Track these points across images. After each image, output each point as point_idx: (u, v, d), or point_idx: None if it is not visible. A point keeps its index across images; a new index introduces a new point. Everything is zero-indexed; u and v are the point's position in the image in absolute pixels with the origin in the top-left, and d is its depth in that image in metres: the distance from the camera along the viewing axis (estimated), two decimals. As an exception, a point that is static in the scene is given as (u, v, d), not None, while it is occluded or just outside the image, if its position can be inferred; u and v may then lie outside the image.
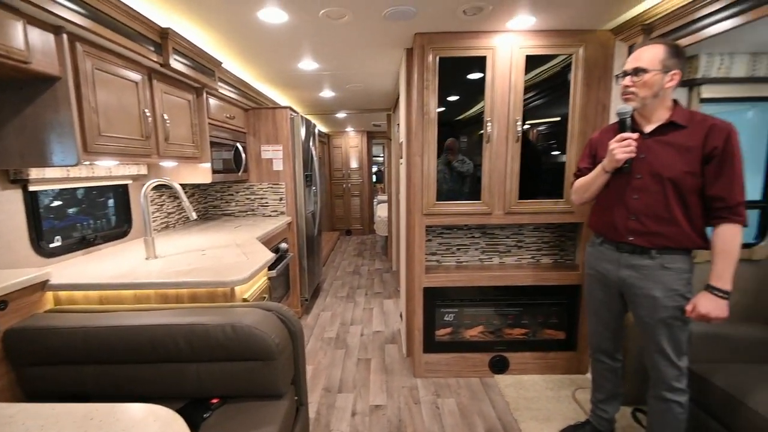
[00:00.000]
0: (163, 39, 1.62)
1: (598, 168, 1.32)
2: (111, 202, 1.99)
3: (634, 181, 1.25)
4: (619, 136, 1.23)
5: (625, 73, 1.23)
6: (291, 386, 1.31)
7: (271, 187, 2.95)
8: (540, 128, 2.07)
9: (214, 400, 1.19)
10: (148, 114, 1.61)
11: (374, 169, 7.40)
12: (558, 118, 1.96)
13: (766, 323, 1.79)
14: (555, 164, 2.01)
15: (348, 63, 2.44)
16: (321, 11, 1.60)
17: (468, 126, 2.01)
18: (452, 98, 1.97)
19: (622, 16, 1.68)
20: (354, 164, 6.46)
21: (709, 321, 1.17)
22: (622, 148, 1.21)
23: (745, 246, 1.74)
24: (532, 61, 1.87)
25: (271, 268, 2.02)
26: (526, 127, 1.99)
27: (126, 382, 1.19)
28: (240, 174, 2.70)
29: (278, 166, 2.90)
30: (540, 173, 2.05)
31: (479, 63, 1.88)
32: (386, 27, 1.79)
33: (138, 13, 1.44)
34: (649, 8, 1.55)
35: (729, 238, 1.14)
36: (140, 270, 1.46)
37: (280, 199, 2.95)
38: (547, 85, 1.95)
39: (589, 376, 2.11)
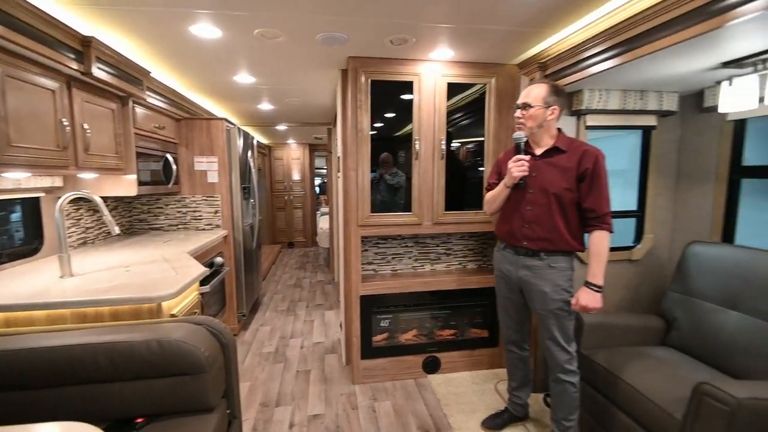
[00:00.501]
0: (85, 47, 1.56)
1: (501, 184, 1.54)
2: (16, 216, 1.82)
3: (528, 195, 1.48)
4: (515, 158, 1.46)
5: (517, 107, 1.47)
6: (223, 400, 1.31)
7: (206, 200, 2.86)
8: (469, 146, 2.30)
9: (139, 420, 1.16)
10: (65, 123, 1.53)
11: (318, 181, 7.41)
12: (482, 138, 2.21)
13: (643, 311, 2.15)
14: (478, 179, 2.24)
15: (285, 79, 2.51)
16: (255, 30, 1.66)
17: (406, 142, 2.17)
18: (389, 115, 2.14)
19: (524, 54, 1.97)
20: (296, 176, 6.42)
21: (588, 311, 1.42)
22: (517, 168, 1.44)
23: (625, 248, 2.09)
24: (455, 88, 2.10)
25: (204, 283, 1.98)
26: (456, 144, 2.22)
27: (42, 407, 1.11)
28: (170, 186, 2.60)
29: (213, 178, 2.84)
30: (465, 187, 2.27)
31: (409, 86, 2.06)
32: (321, 49, 1.89)
33: (57, 20, 1.38)
34: (544, 49, 1.84)
35: (599, 242, 1.40)
36: (54, 289, 1.37)
37: (216, 212, 2.87)
38: (471, 108, 2.20)
39: (510, 369, 2.34)
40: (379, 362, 2.23)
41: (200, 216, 2.87)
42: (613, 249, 2.05)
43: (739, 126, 1.77)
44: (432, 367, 2.29)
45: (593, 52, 1.60)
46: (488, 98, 2.12)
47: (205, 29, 1.64)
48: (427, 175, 2.13)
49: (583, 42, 1.59)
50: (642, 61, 1.44)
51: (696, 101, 1.92)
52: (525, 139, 1.47)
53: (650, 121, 1.97)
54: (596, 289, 1.40)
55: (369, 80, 2.01)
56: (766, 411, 1.07)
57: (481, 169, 2.23)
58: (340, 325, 2.69)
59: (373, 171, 2.10)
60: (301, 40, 1.77)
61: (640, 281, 2.14)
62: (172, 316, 1.45)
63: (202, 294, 1.88)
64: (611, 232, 1.41)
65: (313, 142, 6.27)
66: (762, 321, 1.42)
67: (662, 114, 1.97)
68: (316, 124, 4.42)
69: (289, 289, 4.14)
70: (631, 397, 1.42)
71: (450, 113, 2.12)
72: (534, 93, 1.43)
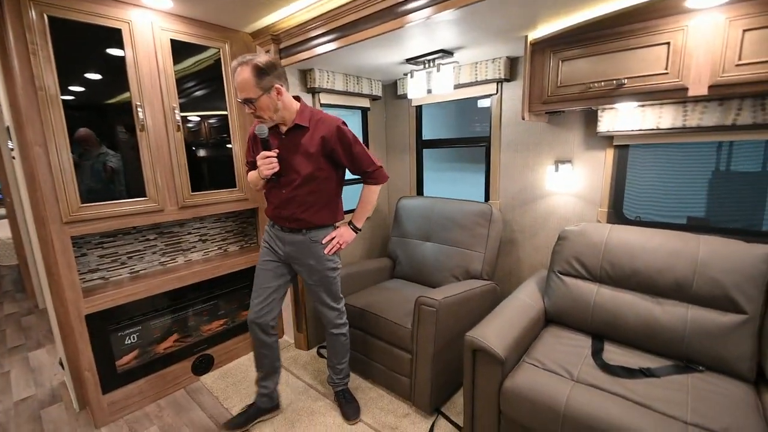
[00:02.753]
0: None
1: (257, 172, 1.47)
2: None
3: (282, 179, 1.48)
4: (262, 155, 1.40)
5: (244, 102, 1.35)
6: None
7: None
8: (210, 121, 2.06)
9: None
10: None
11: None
12: (225, 112, 2.03)
13: (376, 256, 2.71)
14: (227, 157, 2.08)
15: None
16: None
17: (124, 113, 1.70)
18: (93, 76, 1.60)
19: (257, 22, 1.92)
20: None
21: (342, 245, 1.58)
22: (266, 166, 1.40)
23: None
24: (183, 49, 1.81)
25: None
26: (196, 119, 1.93)
27: None
28: None
29: None
30: (212, 164, 2.07)
31: (117, 37, 1.61)
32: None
33: None
34: (276, 21, 1.86)
35: (368, 194, 1.58)
36: None
37: None
38: (207, 76, 1.95)
39: (285, 336, 2.45)
40: (132, 388, 1.81)
41: None
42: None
43: (419, 110, 2.45)
44: (204, 366, 2.08)
45: (318, 33, 1.74)
46: (224, 66, 1.97)
47: None
48: (162, 150, 1.79)
49: (309, 21, 1.70)
50: (355, 49, 1.70)
51: (393, 89, 2.49)
52: (266, 133, 1.40)
53: (365, 103, 2.41)
54: (355, 229, 1.61)
55: (46, 16, 1.43)
56: (452, 303, 1.61)
57: (229, 146, 2.08)
58: (60, 363, 1.98)
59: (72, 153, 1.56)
60: None
61: (372, 233, 2.67)
62: None
63: None
64: (378, 183, 1.56)
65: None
66: (441, 245, 2.09)
67: (373, 98, 2.44)
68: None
69: (-57, 343, 2.63)
70: (378, 324, 1.80)
71: (182, 80, 1.83)
72: (245, 84, 1.31)
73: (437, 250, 2.10)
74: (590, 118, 1.77)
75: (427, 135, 2.51)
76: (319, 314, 1.70)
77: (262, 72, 1.31)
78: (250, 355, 2.25)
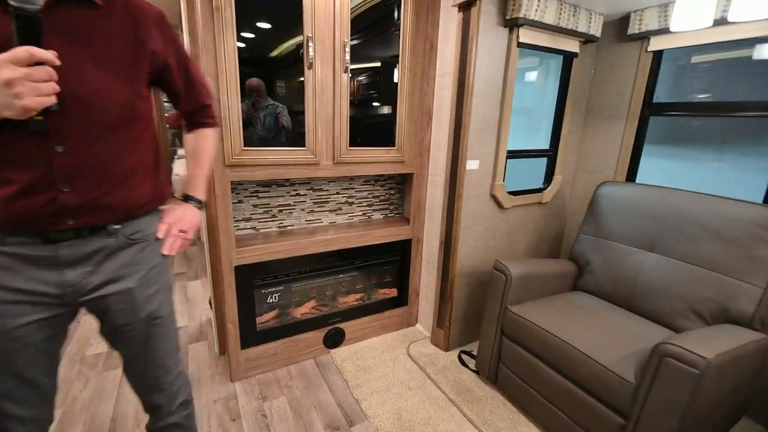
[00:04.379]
0: None
1: None
2: None
3: (61, 121, 0.65)
4: (11, 57, 0.54)
5: None
6: None
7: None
8: (373, 71, 1.76)
9: None
10: None
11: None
12: (378, 63, 1.71)
13: (545, 255, 2.12)
14: (389, 109, 1.76)
15: None
16: None
17: (287, 66, 1.51)
18: (263, 25, 1.42)
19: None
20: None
21: (188, 240, 0.91)
22: (30, 89, 0.56)
23: (536, 191, 1.95)
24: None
25: None
26: (359, 67, 1.66)
27: None
28: None
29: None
30: (372, 118, 1.78)
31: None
32: None
33: None
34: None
35: (207, 144, 0.94)
36: None
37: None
38: (372, 18, 1.63)
39: (418, 326, 2.12)
40: (267, 348, 1.71)
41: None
42: (523, 192, 1.91)
43: (657, 58, 1.69)
44: (335, 340, 1.89)
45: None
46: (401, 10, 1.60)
47: None
48: (326, 95, 1.54)
49: None
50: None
51: (618, 29, 1.77)
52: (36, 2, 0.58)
53: (574, 46, 1.76)
54: (198, 205, 0.93)
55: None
56: (725, 365, 0.98)
57: (376, 104, 1.77)
58: (210, 303, 2.02)
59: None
60: None
61: (546, 224, 2.08)
62: None
63: None
64: (217, 125, 0.97)
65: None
66: (678, 261, 1.41)
67: (586, 40, 1.77)
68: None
69: (133, 257, 3.10)
70: (573, 360, 1.26)
71: (353, 21, 1.52)
72: None
73: (668, 268, 1.42)
74: None
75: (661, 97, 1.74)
76: (142, 395, 0.91)
77: None
78: (382, 338, 1.99)
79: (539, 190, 1.96)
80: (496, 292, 1.53)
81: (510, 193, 1.81)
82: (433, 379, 1.68)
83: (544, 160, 1.99)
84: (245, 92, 1.43)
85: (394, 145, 1.76)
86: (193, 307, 2.32)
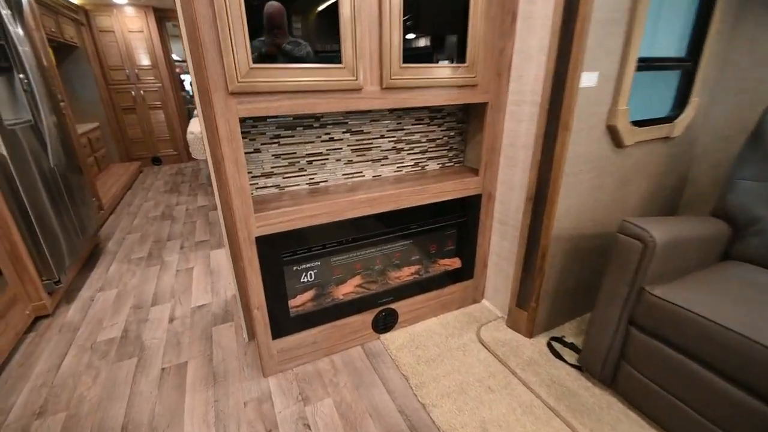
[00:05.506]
0: None
1: None
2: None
3: None
4: None
5: None
6: None
7: None
8: None
9: None
10: None
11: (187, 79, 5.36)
12: None
13: (659, 212, 1.59)
14: (460, 6, 1.21)
15: None
16: None
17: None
18: None
19: None
20: (144, 60, 4.40)
21: None
22: None
23: (664, 120, 1.39)
24: None
25: None
26: None
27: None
28: None
29: None
30: (436, 21, 1.24)
31: None
32: None
33: None
34: None
35: None
36: None
37: None
38: None
39: (486, 303, 1.71)
40: (305, 336, 1.36)
41: None
42: (648, 123, 1.36)
43: None
44: (387, 323, 1.51)
45: None
46: None
47: None
48: (369, -18, 1.03)
49: None
50: None
51: None
52: None
53: None
54: None
55: None
56: None
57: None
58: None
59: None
60: None
61: (668, 168, 1.53)
62: None
63: None
64: None
65: (158, 4, 4.20)
66: None
67: None
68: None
69: (153, 224, 2.83)
70: (754, 361, 0.81)
71: None
72: None
73: None
74: None
75: None
76: None
77: None
78: (442, 318, 1.60)
79: (668, 119, 1.40)
80: (626, 267, 1.06)
81: (633, 123, 1.27)
82: (520, 377, 1.28)
83: (672, 77, 1.41)
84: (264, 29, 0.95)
85: (464, 61, 1.24)
86: (217, 280, 2.01)
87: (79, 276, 2.08)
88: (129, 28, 4.25)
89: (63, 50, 3.89)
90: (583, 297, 1.54)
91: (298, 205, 1.19)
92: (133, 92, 4.44)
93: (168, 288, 1.95)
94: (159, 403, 1.25)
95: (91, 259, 2.28)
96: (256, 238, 1.15)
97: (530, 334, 1.47)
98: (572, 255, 1.40)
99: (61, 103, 2.26)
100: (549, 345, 1.43)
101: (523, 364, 1.34)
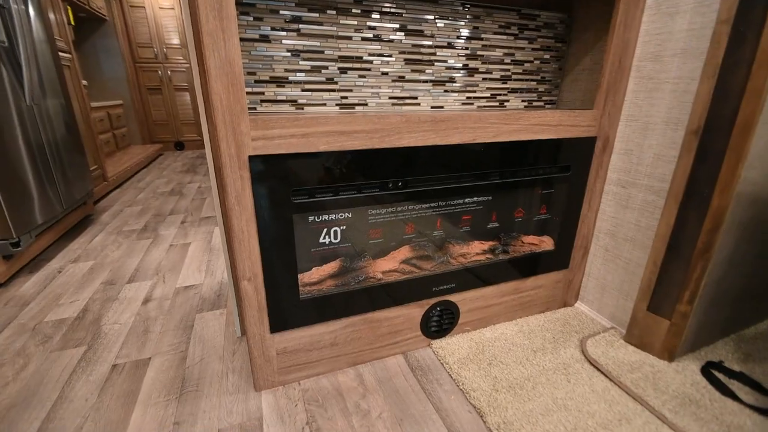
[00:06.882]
0: None
1: None
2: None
3: None
4: None
5: None
6: None
7: None
8: None
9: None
10: None
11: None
12: None
13: None
14: None
15: None
16: None
17: None
18: None
19: None
20: (174, 39, 4.21)
21: None
22: None
23: None
24: None
25: None
26: None
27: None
28: None
29: None
30: None
31: None
32: None
33: None
34: None
35: None
36: None
37: None
38: None
39: (581, 306, 1.18)
40: (319, 331, 0.88)
41: None
42: None
43: None
44: (442, 323, 1.02)
45: None
46: None
47: None
48: None
49: None
50: None
51: None
52: None
53: None
54: None
55: None
56: None
57: None
58: (229, 250, 1.24)
59: None
60: None
61: None
62: None
63: None
64: None
65: (193, -22, 4.00)
66: None
67: None
68: None
69: (158, 199, 2.48)
70: None
71: None
72: None
73: None
74: None
75: None
76: None
77: None
78: (520, 324, 1.08)
79: None
80: None
81: None
82: (670, 423, 0.75)
83: None
84: None
85: None
86: (216, 258, 1.59)
87: (55, 245, 1.71)
88: (160, 4, 4.07)
89: (92, 23, 3.73)
90: (752, 302, 0.99)
91: (315, 124, 0.73)
92: (159, 72, 4.24)
93: (154, 263, 1.54)
94: (91, 418, 0.80)
95: (76, 228, 1.93)
96: (250, 157, 0.69)
97: (671, 356, 0.93)
98: (751, 232, 0.87)
99: (59, 42, 1.95)
100: (706, 373, 0.88)
101: (673, 403, 0.80)
